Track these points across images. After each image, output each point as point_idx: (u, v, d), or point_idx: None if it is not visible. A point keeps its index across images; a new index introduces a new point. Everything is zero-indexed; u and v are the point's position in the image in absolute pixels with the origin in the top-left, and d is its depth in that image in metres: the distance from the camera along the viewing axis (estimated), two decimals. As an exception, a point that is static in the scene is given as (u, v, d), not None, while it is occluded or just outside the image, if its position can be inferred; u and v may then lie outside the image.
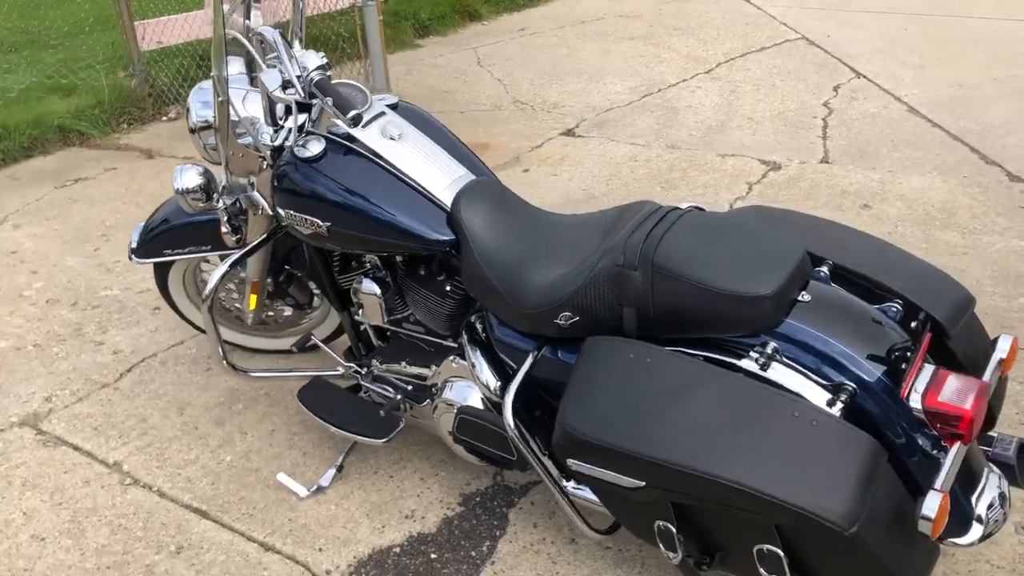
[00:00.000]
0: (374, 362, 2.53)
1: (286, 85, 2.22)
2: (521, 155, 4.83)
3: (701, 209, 2.41)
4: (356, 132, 2.25)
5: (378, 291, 2.39)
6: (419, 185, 2.22)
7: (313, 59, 2.18)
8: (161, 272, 2.96)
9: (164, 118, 5.67)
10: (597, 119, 5.30)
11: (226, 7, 2.22)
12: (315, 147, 2.26)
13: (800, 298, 1.89)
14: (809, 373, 1.81)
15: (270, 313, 2.98)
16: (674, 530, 1.84)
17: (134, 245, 2.83)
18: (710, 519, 1.81)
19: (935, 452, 1.78)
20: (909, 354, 1.83)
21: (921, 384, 1.80)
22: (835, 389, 1.79)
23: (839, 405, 1.77)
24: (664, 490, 1.78)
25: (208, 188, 2.44)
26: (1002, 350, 1.92)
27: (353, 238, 2.25)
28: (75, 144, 5.28)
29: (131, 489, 2.58)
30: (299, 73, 2.17)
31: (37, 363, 3.18)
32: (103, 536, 2.42)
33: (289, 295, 2.83)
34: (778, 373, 1.82)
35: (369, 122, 2.28)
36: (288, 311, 2.99)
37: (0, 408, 2.94)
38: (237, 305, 2.99)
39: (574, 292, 1.97)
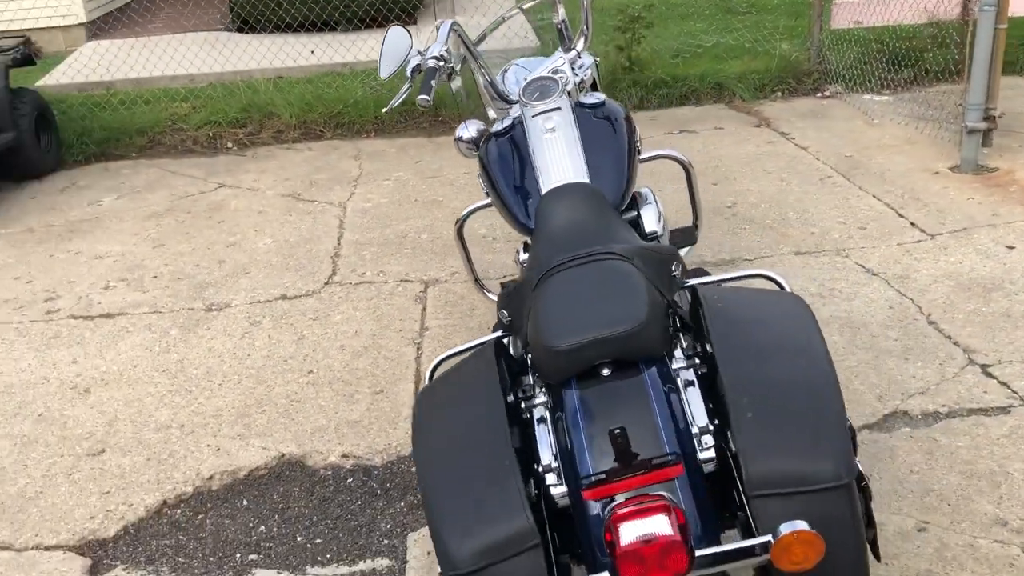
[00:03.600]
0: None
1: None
2: None
3: (775, 281, 2.15)
4: (528, 120, 2.56)
5: (523, 255, 2.69)
6: (537, 174, 2.46)
7: (436, 48, 2.53)
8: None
9: (819, 95, 5.87)
10: None
11: None
12: (504, 124, 2.64)
13: (602, 371, 1.73)
14: (552, 442, 1.72)
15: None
16: None
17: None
18: None
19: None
20: (627, 468, 1.57)
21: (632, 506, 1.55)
22: (554, 467, 1.68)
23: (558, 482, 1.67)
24: None
25: (478, 141, 3.00)
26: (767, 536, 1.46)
27: (495, 205, 2.61)
28: (724, 101, 5.89)
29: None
30: (419, 61, 2.53)
31: (451, 259, 4.06)
32: (365, 364, 3.29)
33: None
34: (539, 429, 1.76)
35: (541, 113, 2.55)
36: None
37: (406, 272, 3.98)
38: None
39: (507, 294, 2.09)
